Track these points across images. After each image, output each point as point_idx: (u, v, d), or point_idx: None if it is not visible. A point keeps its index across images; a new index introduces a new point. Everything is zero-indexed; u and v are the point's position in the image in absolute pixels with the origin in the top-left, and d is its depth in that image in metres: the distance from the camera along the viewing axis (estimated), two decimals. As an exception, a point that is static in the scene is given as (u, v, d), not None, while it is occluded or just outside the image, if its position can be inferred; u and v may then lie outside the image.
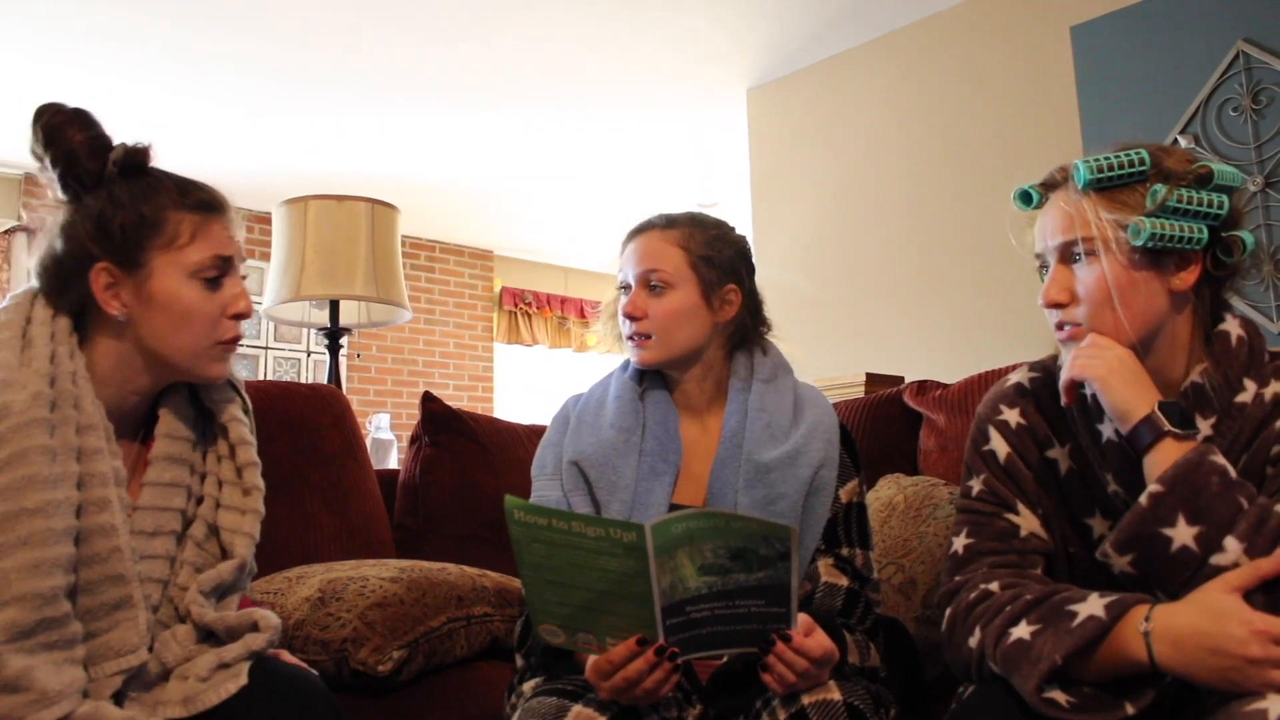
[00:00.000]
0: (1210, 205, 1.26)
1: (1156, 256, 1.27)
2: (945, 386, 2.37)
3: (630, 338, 1.68)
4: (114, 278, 1.35)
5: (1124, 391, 1.24)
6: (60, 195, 1.39)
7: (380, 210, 3.30)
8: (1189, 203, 1.25)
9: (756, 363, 1.74)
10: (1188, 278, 1.28)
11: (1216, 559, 1.13)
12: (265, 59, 4.94)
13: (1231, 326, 1.31)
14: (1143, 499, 1.17)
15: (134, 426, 1.43)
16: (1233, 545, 1.13)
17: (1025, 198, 1.38)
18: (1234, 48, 3.57)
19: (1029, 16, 4.24)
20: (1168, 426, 1.21)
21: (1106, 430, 1.33)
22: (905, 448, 2.37)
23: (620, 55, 4.99)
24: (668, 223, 1.72)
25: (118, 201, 1.36)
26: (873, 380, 3.21)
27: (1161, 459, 1.21)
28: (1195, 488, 1.16)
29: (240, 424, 1.48)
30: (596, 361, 8.41)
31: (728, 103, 5.45)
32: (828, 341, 4.70)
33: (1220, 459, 1.19)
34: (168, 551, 1.38)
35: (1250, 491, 1.18)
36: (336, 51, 4.89)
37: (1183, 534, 1.15)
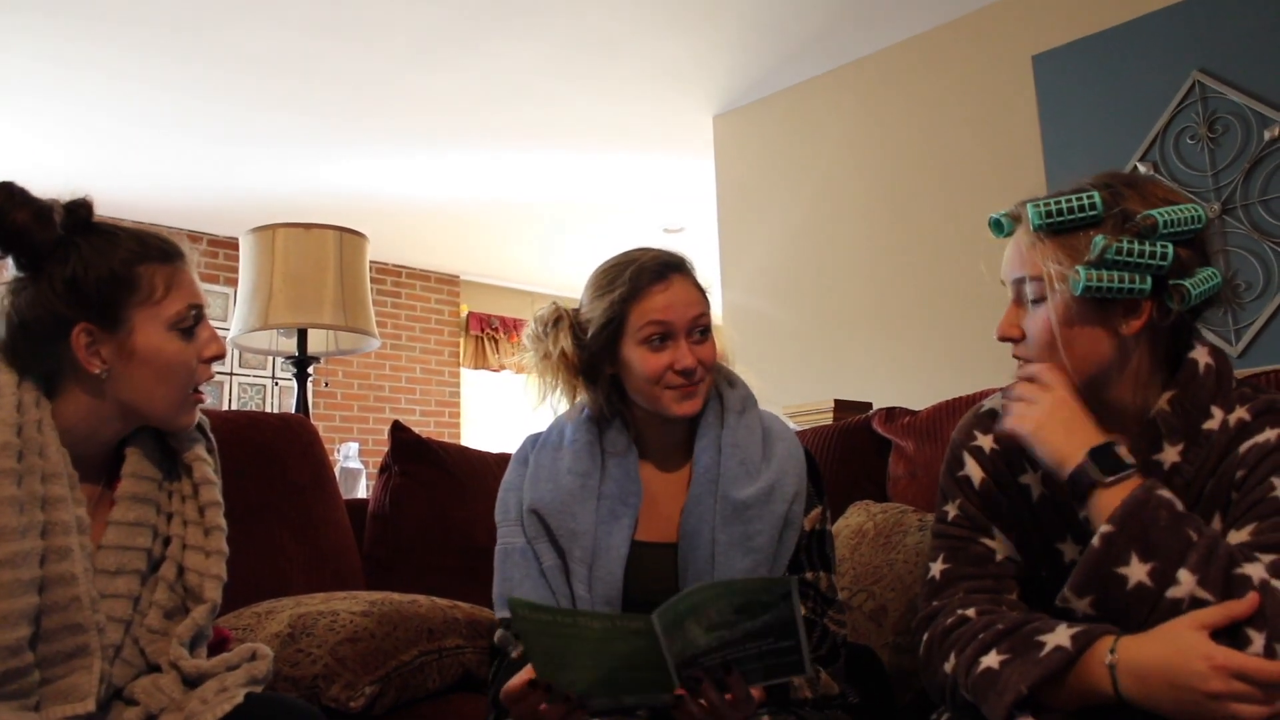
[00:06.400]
0: (1152, 257, 1.25)
1: (1101, 304, 1.27)
2: (914, 413, 2.39)
3: (679, 387, 1.61)
4: (94, 337, 1.34)
5: (1053, 443, 1.24)
6: (15, 274, 1.37)
7: (348, 239, 3.30)
8: (1129, 254, 1.24)
9: (726, 396, 1.71)
10: (1135, 324, 1.28)
11: (1171, 592, 1.14)
12: (230, 85, 4.92)
13: (1200, 355, 1.31)
14: (1095, 541, 1.17)
15: (98, 468, 1.43)
16: (1186, 577, 1.14)
17: (996, 226, 1.38)
18: (1190, 78, 3.65)
19: (991, 46, 4.30)
20: (1096, 477, 1.21)
21: None
22: (874, 474, 2.39)
23: (587, 81, 5.01)
24: (684, 263, 1.68)
25: (86, 261, 1.35)
26: (841, 407, 3.22)
27: (1101, 505, 1.21)
28: (1144, 524, 1.16)
29: (204, 464, 1.48)
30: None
31: (694, 129, 5.48)
32: (795, 368, 4.73)
33: (1166, 493, 1.19)
34: (130, 591, 1.38)
35: (1198, 523, 1.18)
36: (302, 77, 4.88)
37: (1137, 571, 1.15)
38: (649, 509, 1.66)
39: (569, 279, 8.19)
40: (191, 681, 1.35)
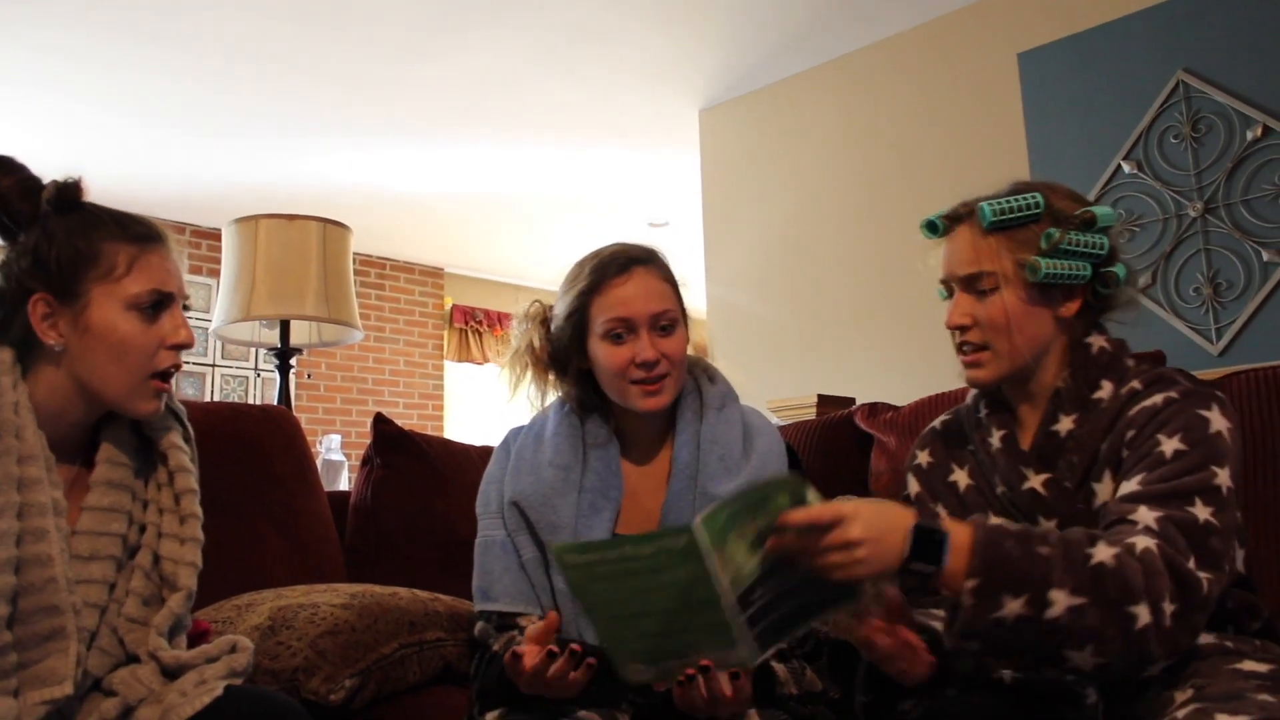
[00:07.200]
0: (1094, 246, 1.43)
1: (1046, 290, 1.44)
2: (896, 409, 2.39)
3: (642, 382, 1.61)
4: (51, 308, 1.35)
5: (879, 566, 1.22)
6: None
7: (332, 230, 3.28)
8: (1077, 245, 1.42)
9: (706, 391, 1.72)
10: (1072, 307, 1.45)
11: (1049, 613, 1.18)
12: (214, 74, 4.90)
13: (1096, 340, 1.47)
14: (965, 598, 1.20)
15: (75, 453, 1.43)
16: (1057, 595, 1.18)
17: (932, 227, 1.53)
18: (1174, 77, 3.66)
19: (977, 43, 4.31)
20: (918, 567, 1.23)
21: (994, 441, 1.50)
22: (856, 469, 2.39)
23: (573, 75, 5.00)
24: (650, 256, 1.68)
25: (52, 236, 1.37)
26: (824, 402, 3.23)
27: (951, 564, 1.22)
28: (1002, 563, 1.20)
29: (180, 451, 1.48)
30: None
31: (680, 123, 5.48)
32: (779, 363, 4.73)
33: (995, 520, 1.27)
34: (105, 576, 1.37)
35: (1040, 534, 1.23)
36: (288, 67, 4.86)
37: (1013, 608, 1.19)
38: (629, 502, 1.67)
39: (554, 273, 8.11)
40: (170, 673, 1.35)
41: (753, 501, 1.18)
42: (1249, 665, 1.22)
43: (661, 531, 1.18)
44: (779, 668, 1.54)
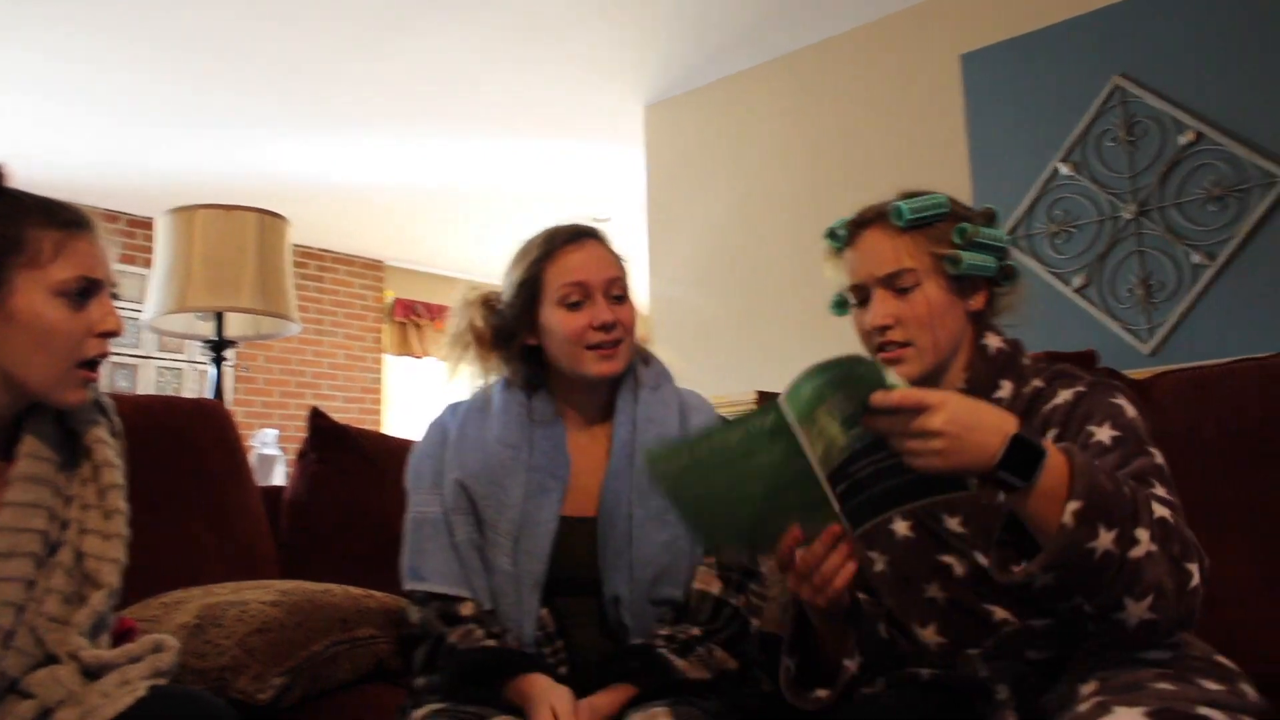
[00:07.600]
0: (998, 240, 1.49)
1: (960, 284, 1.47)
2: (835, 407, 2.41)
3: (599, 346, 1.64)
4: None
5: (957, 462, 1.16)
6: None
7: (269, 221, 3.23)
8: (989, 239, 1.47)
9: (640, 372, 1.74)
10: (980, 300, 1.50)
11: (1133, 552, 1.15)
12: (152, 62, 4.80)
13: (991, 340, 1.50)
14: (1067, 519, 1.14)
15: None
16: (1143, 535, 1.16)
17: (835, 236, 1.57)
18: (1111, 81, 3.72)
19: (921, 43, 4.35)
20: (1006, 477, 1.18)
21: None
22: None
23: (518, 69, 4.97)
24: (598, 231, 1.73)
25: None
26: (764, 398, 3.23)
27: (1047, 483, 1.17)
28: (1101, 492, 1.16)
29: (105, 446, 1.44)
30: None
31: (624, 118, 5.47)
32: (719, 359, 4.74)
33: (1084, 454, 1.22)
34: (23, 574, 1.33)
35: (1118, 473, 1.23)
36: (228, 56, 4.78)
37: (1104, 541, 1.15)
38: (571, 481, 1.67)
39: (495, 266, 8.09)
40: (92, 673, 1.31)
41: (836, 377, 1.16)
42: (1152, 653, 1.22)
43: (747, 415, 1.17)
44: (679, 662, 1.54)
